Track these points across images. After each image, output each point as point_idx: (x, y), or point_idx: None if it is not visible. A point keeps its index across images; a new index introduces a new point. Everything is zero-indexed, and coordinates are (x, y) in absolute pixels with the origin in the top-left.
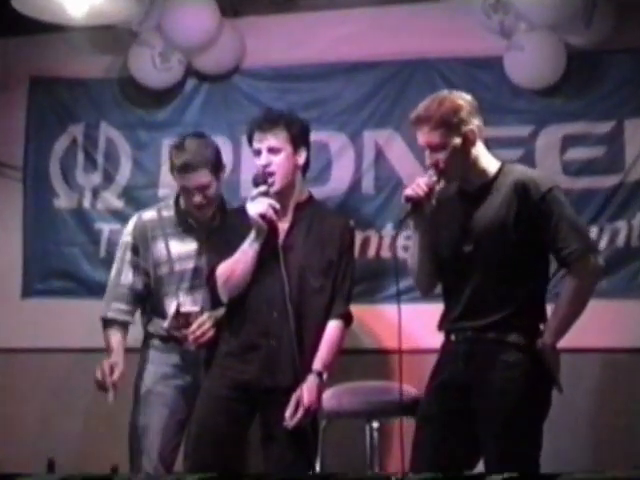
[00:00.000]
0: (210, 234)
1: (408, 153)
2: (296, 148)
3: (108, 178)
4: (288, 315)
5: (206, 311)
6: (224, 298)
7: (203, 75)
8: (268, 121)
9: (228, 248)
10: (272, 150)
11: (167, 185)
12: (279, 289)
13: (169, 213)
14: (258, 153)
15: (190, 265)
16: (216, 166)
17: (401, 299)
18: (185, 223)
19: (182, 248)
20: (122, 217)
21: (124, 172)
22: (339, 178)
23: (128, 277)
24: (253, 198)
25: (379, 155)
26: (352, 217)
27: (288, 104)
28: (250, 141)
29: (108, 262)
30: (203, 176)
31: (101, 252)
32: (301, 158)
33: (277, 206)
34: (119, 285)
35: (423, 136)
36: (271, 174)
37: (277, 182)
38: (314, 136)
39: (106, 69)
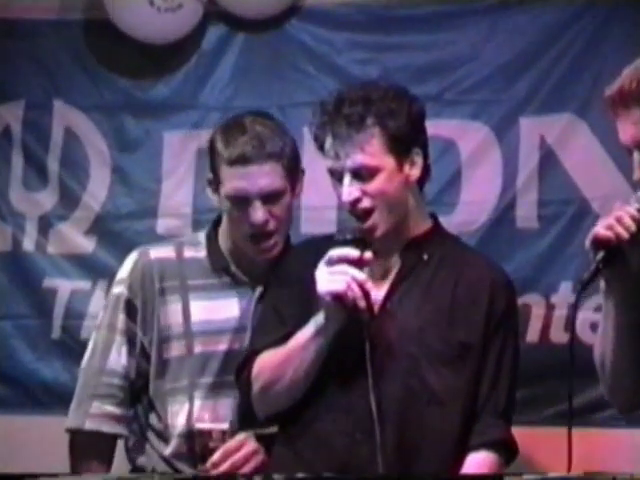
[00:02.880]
0: (266, 291)
1: (603, 155)
2: (403, 155)
3: (68, 199)
4: (380, 439)
5: (238, 430)
6: (260, 413)
7: (236, 20)
8: (347, 118)
9: (280, 319)
10: (361, 173)
11: (173, 214)
12: (366, 394)
13: (197, 253)
14: (337, 176)
15: (223, 346)
16: (293, 165)
17: (589, 418)
18: (224, 271)
19: (213, 315)
20: (93, 268)
21: (96, 189)
22: (476, 200)
23: (121, 357)
24: (331, 263)
25: (548, 159)
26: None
27: (385, 71)
28: (320, 146)
29: (66, 348)
30: (272, 174)
31: (54, 330)
32: (415, 169)
33: (368, 284)
34: (104, 372)
35: (630, 127)
36: (366, 214)
37: (379, 227)
38: (431, 128)
39: (64, 6)
